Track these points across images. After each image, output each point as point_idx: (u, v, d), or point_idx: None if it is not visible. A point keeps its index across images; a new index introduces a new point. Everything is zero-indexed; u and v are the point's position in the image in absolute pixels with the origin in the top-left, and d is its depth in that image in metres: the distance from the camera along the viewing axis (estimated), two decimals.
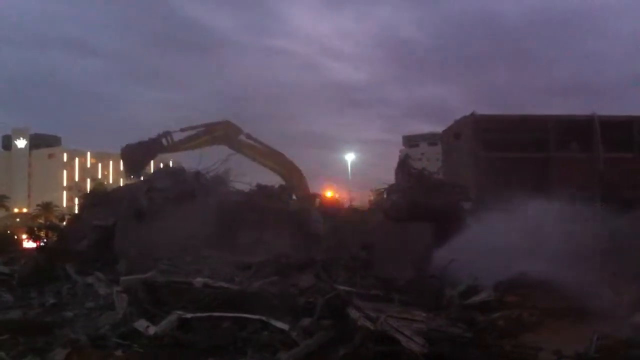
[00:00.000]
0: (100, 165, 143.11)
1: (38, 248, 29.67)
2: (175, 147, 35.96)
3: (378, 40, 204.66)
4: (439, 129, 47.19)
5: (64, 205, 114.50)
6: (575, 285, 16.21)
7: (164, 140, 35.24)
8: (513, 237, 19.19)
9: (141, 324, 12.82)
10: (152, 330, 12.43)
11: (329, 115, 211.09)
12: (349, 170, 72.59)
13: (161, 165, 43.99)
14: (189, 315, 13.01)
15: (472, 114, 36.59)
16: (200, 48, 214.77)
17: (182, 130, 35.64)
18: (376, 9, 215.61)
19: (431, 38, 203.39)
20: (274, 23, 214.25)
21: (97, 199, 31.39)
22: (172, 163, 41.76)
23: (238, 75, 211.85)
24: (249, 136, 36.54)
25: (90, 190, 58.56)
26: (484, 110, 51.77)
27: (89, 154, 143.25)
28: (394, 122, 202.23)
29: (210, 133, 35.60)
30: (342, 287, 14.32)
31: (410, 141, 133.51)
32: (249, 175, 32.32)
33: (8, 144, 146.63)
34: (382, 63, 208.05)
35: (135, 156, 34.87)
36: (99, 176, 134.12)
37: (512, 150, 35.20)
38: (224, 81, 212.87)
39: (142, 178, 33.23)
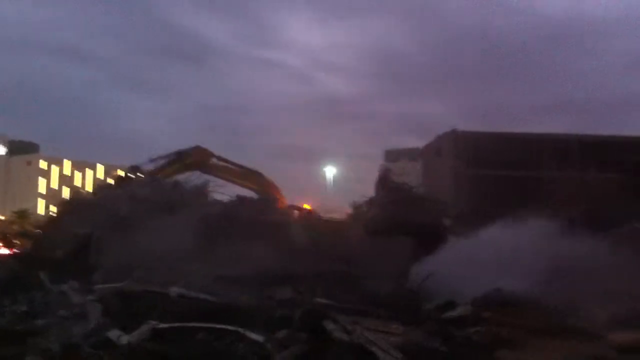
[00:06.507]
0: (79, 174, 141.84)
1: (12, 255, 29.25)
2: None
3: (371, 54, 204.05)
4: (424, 144, 47.27)
5: (42, 212, 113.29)
6: (553, 303, 16.24)
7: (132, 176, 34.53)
8: (492, 254, 19.22)
9: (114, 334, 12.65)
10: (124, 339, 12.26)
11: (318, 128, 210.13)
12: (329, 184, 72.61)
13: None
14: (163, 326, 12.85)
15: (453, 131, 36.82)
16: (192, 57, 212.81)
17: (152, 161, 34.96)
18: (370, 23, 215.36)
19: (424, 52, 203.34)
20: (267, 34, 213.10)
21: (75, 206, 30.98)
22: None
23: (228, 85, 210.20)
24: (220, 159, 36.08)
25: (68, 198, 57.94)
26: (474, 127, 52.07)
27: (67, 162, 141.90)
28: (383, 137, 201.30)
29: (181, 161, 35.13)
30: (320, 300, 14.22)
31: (391, 156, 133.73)
32: (228, 186, 32.23)
33: None
34: (374, 76, 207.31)
35: None
36: (78, 184, 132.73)
37: (494, 168, 35.44)
38: (214, 91, 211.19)
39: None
